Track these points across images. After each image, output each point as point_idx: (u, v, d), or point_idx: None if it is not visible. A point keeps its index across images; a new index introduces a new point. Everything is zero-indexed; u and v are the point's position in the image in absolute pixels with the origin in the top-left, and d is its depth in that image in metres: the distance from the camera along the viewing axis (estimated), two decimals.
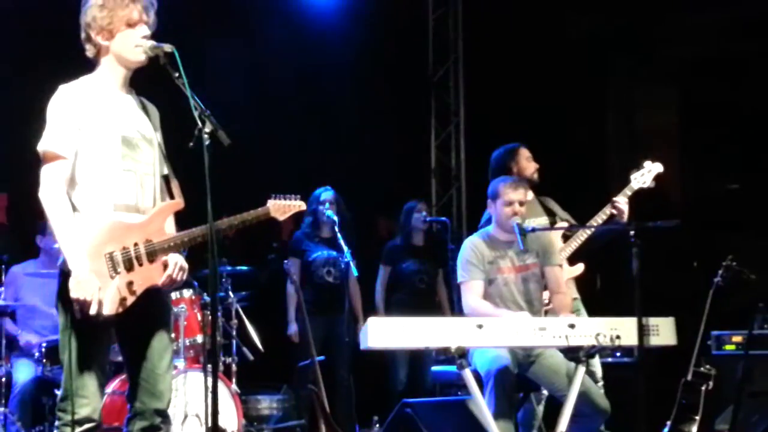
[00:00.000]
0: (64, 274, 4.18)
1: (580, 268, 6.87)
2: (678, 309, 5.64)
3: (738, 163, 9.22)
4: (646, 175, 6.70)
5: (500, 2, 10.28)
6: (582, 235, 6.67)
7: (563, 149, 9.71)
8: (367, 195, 9.44)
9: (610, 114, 11.00)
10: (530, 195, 6.96)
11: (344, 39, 10.06)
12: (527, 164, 7.06)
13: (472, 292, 6.12)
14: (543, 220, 6.93)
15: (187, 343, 7.14)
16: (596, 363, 6.71)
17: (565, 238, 6.84)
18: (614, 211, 6.61)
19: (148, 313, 4.34)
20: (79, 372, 4.19)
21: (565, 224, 6.89)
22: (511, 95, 10.06)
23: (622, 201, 6.61)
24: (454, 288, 9.54)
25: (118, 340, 4.50)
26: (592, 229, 6.68)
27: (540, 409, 6.34)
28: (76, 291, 4.08)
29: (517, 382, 5.89)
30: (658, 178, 6.65)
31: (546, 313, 6.36)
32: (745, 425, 6.39)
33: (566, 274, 6.78)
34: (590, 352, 5.43)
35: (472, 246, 6.23)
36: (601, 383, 6.64)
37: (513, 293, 6.16)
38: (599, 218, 6.64)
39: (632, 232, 5.45)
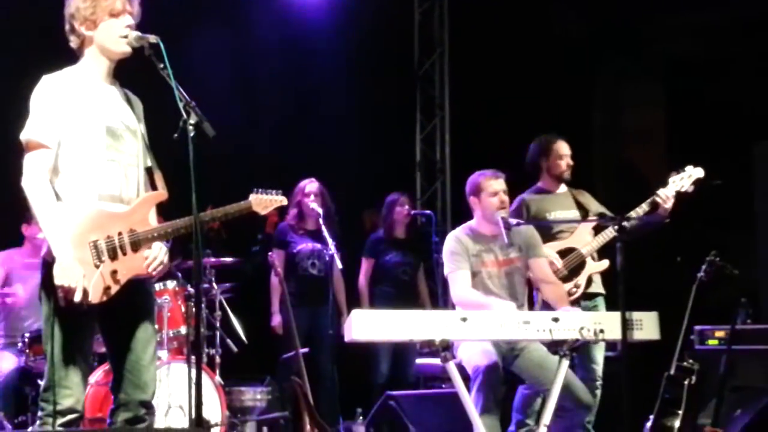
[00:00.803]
0: (48, 264, 4.17)
1: (605, 263, 6.90)
2: (661, 303, 5.64)
3: (723, 159, 9.24)
4: (685, 179, 6.71)
5: None
6: (611, 231, 6.68)
7: None
8: (352, 187, 9.43)
9: (596, 111, 11.01)
10: (563, 188, 7.02)
11: (330, 32, 10.05)
12: (557, 162, 7.09)
13: (459, 282, 6.13)
14: (572, 214, 6.98)
15: (171, 335, 7.13)
16: (599, 360, 6.72)
17: (596, 231, 6.88)
18: (657, 199, 6.64)
19: (132, 303, 4.34)
20: (62, 362, 4.19)
21: (559, 218, 6.92)
22: (497, 90, 10.06)
23: (663, 194, 6.64)
24: (438, 281, 9.58)
25: (101, 331, 4.49)
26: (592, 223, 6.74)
27: (539, 400, 6.36)
28: (60, 278, 4.08)
29: (502, 376, 5.91)
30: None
31: (541, 304, 6.40)
32: (727, 420, 6.41)
33: (592, 269, 6.82)
34: (574, 345, 5.44)
35: (457, 239, 6.25)
36: (599, 382, 6.66)
37: (497, 287, 6.18)
38: (640, 210, 6.66)
39: (615, 227, 5.47)
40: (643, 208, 6.66)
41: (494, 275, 6.21)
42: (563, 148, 7.13)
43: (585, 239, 6.86)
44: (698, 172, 6.74)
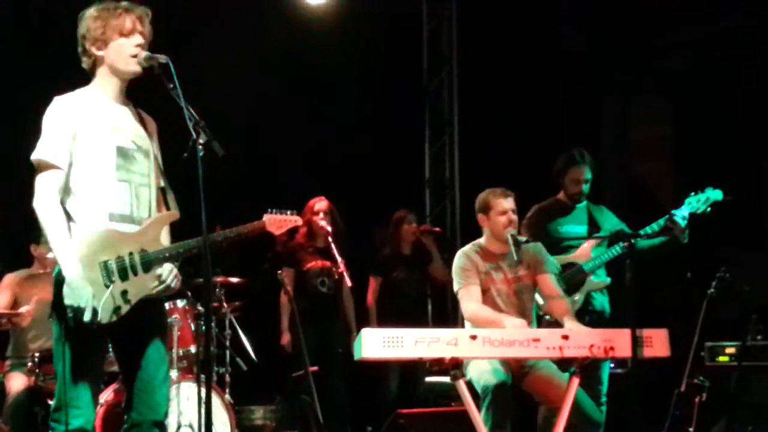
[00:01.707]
0: (59, 284, 4.18)
1: (606, 281, 6.92)
2: (672, 320, 5.63)
3: (732, 174, 9.22)
4: (702, 201, 6.64)
5: (495, 13, 10.29)
6: (616, 249, 6.74)
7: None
8: (362, 205, 9.44)
9: (604, 126, 11.01)
10: (582, 202, 7.04)
11: (339, 49, 10.07)
12: (571, 186, 7.18)
13: (470, 297, 6.13)
14: (582, 229, 7.03)
15: (181, 354, 7.13)
16: (604, 380, 6.72)
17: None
18: (670, 224, 6.58)
19: (143, 323, 4.35)
20: (72, 382, 4.19)
21: (568, 234, 6.95)
22: (506, 106, 10.07)
23: (679, 214, 6.61)
24: (448, 299, 9.59)
25: (114, 351, 4.51)
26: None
27: None
28: (70, 298, 4.09)
29: (513, 393, 5.89)
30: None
31: (543, 320, 6.39)
32: None
33: (592, 286, 6.83)
34: (584, 363, 5.43)
35: (466, 256, 6.25)
36: (604, 400, 6.65)
37: (506, 304, 6.17)
38: (649, 229, 6.63)
39: (625, 245, 5.46)
40: (653, 227, 6.62)
41: (503, 293, 6.21)
42: (581, 173, 7.17)
43: (590, 255, 6.89)
44: (716, 195, 6.67)
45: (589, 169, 7.17)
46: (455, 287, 6.27)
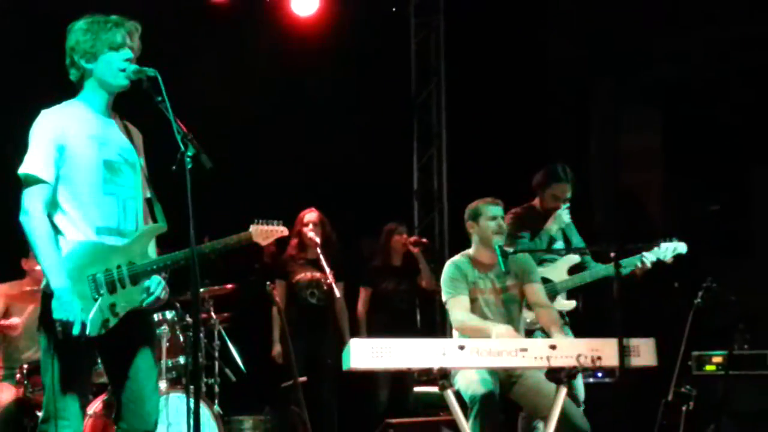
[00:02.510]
0: (47, 296, 4.19)
1: (572, 303, 6.96)
2: (659, 330, 5.66)
3: (720, 184, 9.26)
4: (669, 251, 6.75)
5: (483, 25, 10.32)
6: (587, 275, 6.81)
7: None
8: (350, 216, 9.45)
9: (593, 135, 11.04)
10: (566, 218, 7.06)
11: (327, 61, 10.09)
12: (550, 202, 7.16)
13: (458, 307, 6.15)
14: (558, 245, 7.03)
15: (170, 365, 7.14)
16: (580, 386, 6.74)
17: (570, 272, 6.95)
18: (639, 264, 6.74)
19: (132, 333, 4.36)
20: (60, 393, 4.19)
21: (555, 249, 6.96)
22: (494, 118, 10.10)
23: (649, 258, 6.72)
24: (437, 310, 9.60)
25: (102, 362, 4.52)
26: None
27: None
28: (58, 312, 4.09)
29: (500, 403, 5.91)
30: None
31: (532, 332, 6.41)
32: None
33: (559, 306, 6.85)
34: (571, 372, 5.45)
35: (455, 265, 6.27)
36: (582, 407, 6.66)
37: (494, 315, 6.19)
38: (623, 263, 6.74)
39: (612, 254, 5.49)
40: (629, 262, 6.75)
41: (491, 303, 6.23)
42: (563, 191, 7.13)
43: (562, 275, 6.92)
44: (682, 248, 6.78)
45: (570, 188, 7.15)
46: (444, 297, 6.29)
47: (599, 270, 6.80)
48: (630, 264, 6.73)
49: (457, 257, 6.38)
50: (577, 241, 7.17)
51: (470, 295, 6.20)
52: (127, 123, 4.60)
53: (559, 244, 7.04)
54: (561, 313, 6.96)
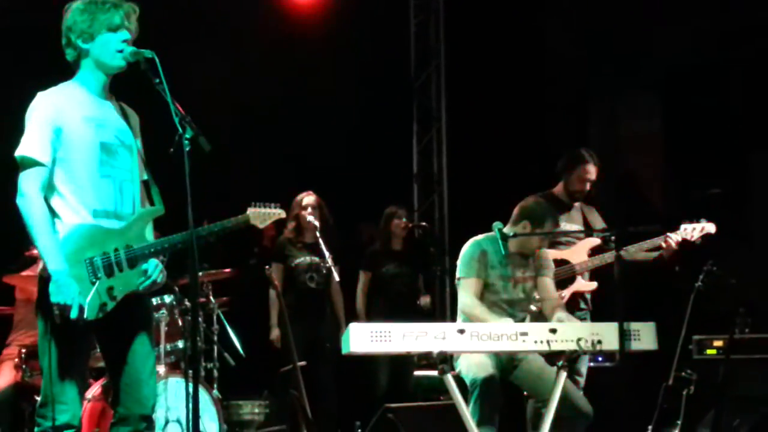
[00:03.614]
0: (44, 280, 4.17)
1: (593, 285, 7.01)
2: (659, 314, 5.64)
3: (720, 169, 9.24)
4: (696, 230, 6.85)
5: (482, 8, 10.28)
6: (609, 256, 6.79)
7: (545, 156, 9.74)
8: (349, 200, 9.43)
9: (592, 121, 11.01)
10: (577, 203, 7.07)
11: (326, 44, 10.06)
12: (578, 183, 7.20)
13: (469, 289, 6.14)
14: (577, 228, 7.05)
15: (168, 349, 7.13)
16: (583, 372, 6.74)
17: (593, 253, 6.95)
18: (663, 245, 6.82)
19: (129, 317, 4.34)
20: (58, 378, 4.18)
21: (562, 230, 6.96)
22: (493, 101, 10.07)
23: (674, 238, 6.78)
24: (436, 293, 9.57)
25: (99, 346, 4.50)
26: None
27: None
28: (56, 295, 4.08)
29: (501, 387, 5.90)
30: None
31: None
32: (726, 430, 6.40)
33: (580, 287, 6.87)
34: (572, 357, 5.44)
35: (480, 247, 6.23)
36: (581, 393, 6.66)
37: (506, 303, 6.17)
38: (646, 245, 6.87)
39: (613, 238, 5.47)
40: (647, 244, 6.83)
41: (509, 290, 6.21)
42: (591, 173, 7.20)
43: (582, 257, 6.93)
44: (710, 228, 6.89)
45: (596, 170, 7.20)
46: (458, 274, 6.27)
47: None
48: (653, 246, 6.81)
49: (482, 237, 6.32)
50: (599, 225, 7.19)
51: (489, 280, 6.18)
52: (123, 105, 4.57)
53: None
54: (584, 298, 6.98)
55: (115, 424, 4.40)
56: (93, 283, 4.19)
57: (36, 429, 4.27)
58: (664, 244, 6.84)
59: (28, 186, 4.20)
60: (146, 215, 4.47)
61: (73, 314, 4.08)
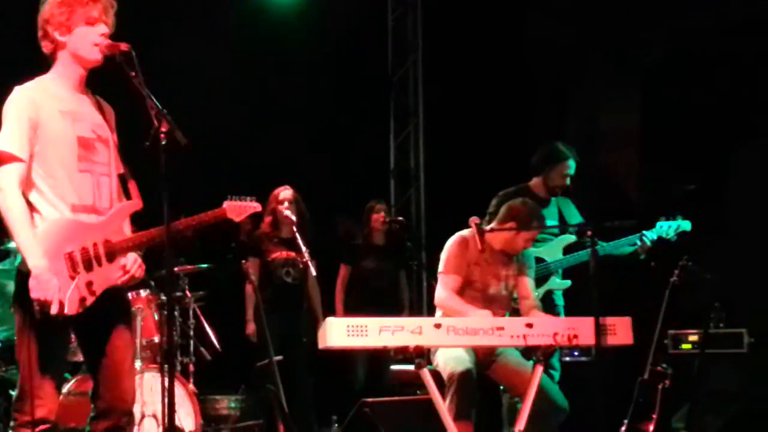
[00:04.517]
0: (22, 274, 4.16)
1: (567, 283, 7.06)
2: (635, 308, 5.67)
3: (697, 165, 9.27)
4: (672, 228, 6.94)
5: (460, 2, 10.29)
6: (583, 254, 6.86)
7: (523, 151, 9.75)
8: (326, 194, 9.42)
9: (571, 115, 11.03)
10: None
11: (303, 38, 10.04)
12: (559, 179, 7.24)
13: (446, 284, 6.14)
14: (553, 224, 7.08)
15: (144, 344, 7.10)
16: (557, 366, 6.76)
17: (566, 251, 6.98)
18: (638, 242, 6.92)
19: (108, 311, 4.34)
20: (36, 373, 4.16)
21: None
22: (471, 96, 10.08)
23: (649, 236, 6.88)
24: (414, 288, 9.58)
25: (78, 341, 4.50)
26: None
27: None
28: (36, 291, 4.07)
29: (478, 381, 5.91)
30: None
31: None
32: (701, 423, 6.43)
33: (554, 285, 6.89)
34: (548, 351, 5.45)
35: (465, 242, 6.23)
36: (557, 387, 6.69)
37: (487, 300, 6.17)
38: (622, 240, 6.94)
39: (589, 232, 5.50)
40: (624, 241, 6.90)
41: (490, 287, 6.21)
42: (570, 168, 7.24)
43: (556, 254, 6.94)
44: (686, 225, 6.98)
45: (575, 165, 7.24)
46: (439, 267, 6.26)
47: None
48: (629, 243, 6.91)
49: (468, 232, 6.32)
50: (575, 219, 7.21)
51: (470, 276, 6.18)
52: (99, 99, 4.55)
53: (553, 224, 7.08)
54: (559, 295, 7.00)
55: (95, 417, 4.39)
56: (72, 278, 4.18)
57: (11, 424, 4.26)
58: (639, 242, 6.90)
59: (6, 181, 4.18)
60: (125, 210, 4.47)
61: (54, 310, 4.07)
